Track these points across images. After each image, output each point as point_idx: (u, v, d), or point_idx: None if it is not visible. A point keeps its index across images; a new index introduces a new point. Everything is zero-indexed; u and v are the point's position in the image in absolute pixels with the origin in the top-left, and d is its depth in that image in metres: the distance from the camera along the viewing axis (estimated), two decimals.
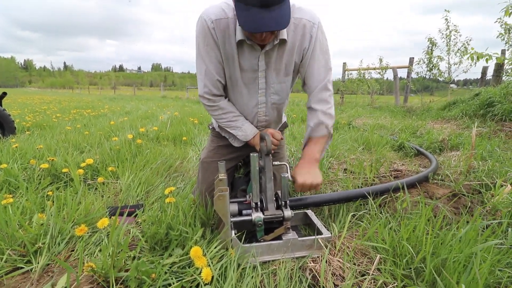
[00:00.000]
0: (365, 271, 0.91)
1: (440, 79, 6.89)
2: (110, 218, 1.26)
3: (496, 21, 5.34)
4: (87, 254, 1.05)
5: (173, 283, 0.81)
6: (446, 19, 6.34)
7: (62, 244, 1.04)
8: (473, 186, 1.75)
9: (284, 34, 1.13)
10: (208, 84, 1.23)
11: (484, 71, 6.48)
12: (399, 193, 1.43)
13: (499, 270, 0.95)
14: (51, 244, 1.03)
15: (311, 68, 1.22)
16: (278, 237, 1.14)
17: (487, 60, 2.88)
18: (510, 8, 2.41)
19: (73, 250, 1.07)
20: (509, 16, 2.48)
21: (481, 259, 0.86)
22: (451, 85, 7.44)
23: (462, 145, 2.83)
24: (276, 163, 1.27)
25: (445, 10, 6.32)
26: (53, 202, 1.35)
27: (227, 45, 1.15)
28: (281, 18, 0.95)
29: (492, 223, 1.11)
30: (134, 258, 1.00)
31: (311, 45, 1.18)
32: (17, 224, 1.07)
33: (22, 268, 0.92)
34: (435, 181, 1.84)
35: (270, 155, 1.20)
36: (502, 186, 1.65)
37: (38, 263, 0.94)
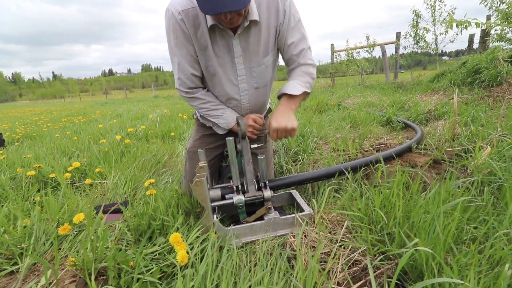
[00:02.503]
0: (341, 240, 0.93)
1: (431, 52, 6.84)
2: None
3: None
4: (73, 252, 1.07)
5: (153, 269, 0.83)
6: None
7: (47, 245, 1.06)
8: (455, 151, 1.77)
9: (254, 14, 1.11)
10: (182, 77, 1.22)
11: (471, 39, 6.43)
12: (379, 165, 1.45)
13: (474, 227, 0.98)
14: (36, 245, 1.05)
15: (288, 42, 1.22)
16: (261, 218, 1.17)
17: (466, 27, 2.88)
18: None
19: (59, 249, 1.09)
20: None
21: (450, 217, 0.89)
22: (443, 57, 7.40)
23: (448, 114, 2.85)
24: (254, 146, 1.29)
25: None
26: (41, 207, 1.37)
27: (199, 34, 1.13)
28: None
29: (464, 182, 1.14)
30: (120, 250, 1.03)
31: (286, 19, 1.17)
32: (1, 229, 1.09)
33: (7, 269, 0.94)
34: (418, 150, 1.87)
35: (247, 138, 1.21)
36: (482, 148, 1.67)
37: (23, 264, 0.96)
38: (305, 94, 1.26)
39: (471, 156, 1.67)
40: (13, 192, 1.65)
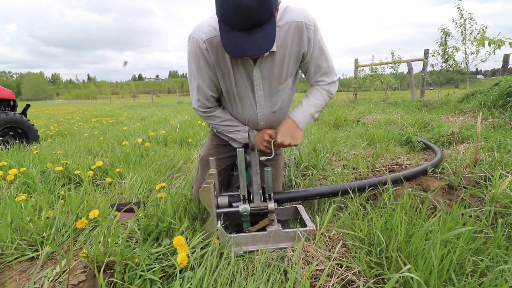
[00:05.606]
0: (338, 258, 0.94)
1: (465, 71, 6.55)
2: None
3: None
4: (88, 244, 1.16)
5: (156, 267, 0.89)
6: (459, 8, 6.07)
7: (66, 236, 1.16)
8: (473, 178, 1.70)
9: (274, 46, 1.11)
10: (201, 99, 1.26)
11: (506, 59, 6.12)
12: (387, 186, 1.43)
13: (480, 259, 0.94)
14: (56, 235, 1.15)
15: (312, 67, 1.24)
16: (263, 229, 1.20)
17: (499, 46, 2.75)
18: None
19: (76, 241, 1.19)
20: None
21: (452, 247, 0.86)
22: (478, 76, 7.06)
23: (472, 137, 2.72)
24: (263, 158, 1.33)
25: None
26: (64, 200, 1.49)
27: (222, 62, 1.15)
28: (263, 42, 0.93)
29: (474, 211, 1.10)
30: (129, 247, 1.10)
31: (310, 47, 1.17)
32: (28, 218, 1.21)
33: (28, 255, 1.04)
34: (435, 174, 1.81)
35: (256, 150, 1.26)
36: (504, 176, 1.59)
37: (43, 251, 1.05)
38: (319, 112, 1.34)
39: (490, 184, 1.60)
40: (41, 185, 1.81)
